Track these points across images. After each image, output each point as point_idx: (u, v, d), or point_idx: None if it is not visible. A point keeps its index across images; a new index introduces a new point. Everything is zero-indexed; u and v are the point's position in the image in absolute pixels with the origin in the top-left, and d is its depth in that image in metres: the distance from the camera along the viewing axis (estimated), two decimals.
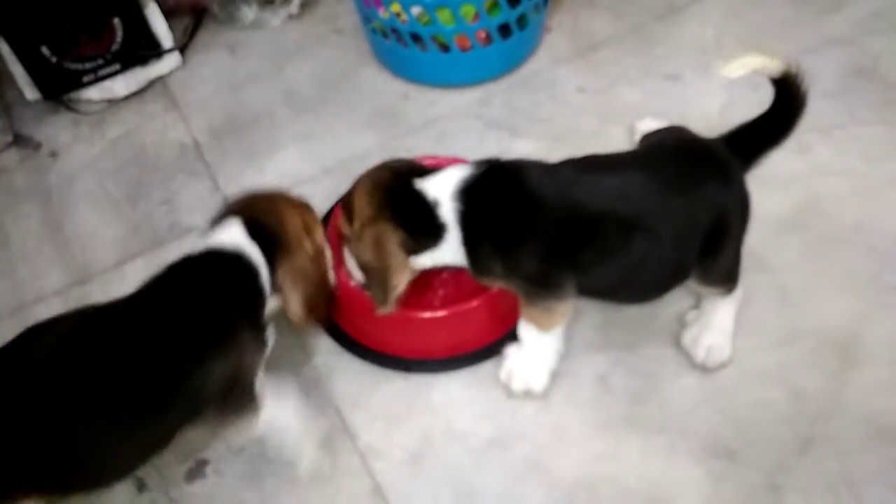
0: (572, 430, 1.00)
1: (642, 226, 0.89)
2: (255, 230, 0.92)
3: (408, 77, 1.44)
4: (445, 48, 1.34)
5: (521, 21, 1.35)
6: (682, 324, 1.06)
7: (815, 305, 1.07)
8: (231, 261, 0.89)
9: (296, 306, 0.94)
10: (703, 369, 1.02)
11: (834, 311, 1.07)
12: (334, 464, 1.00)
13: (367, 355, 1.08)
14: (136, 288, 0.88)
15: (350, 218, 0.98)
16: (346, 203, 0.99)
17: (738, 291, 1.01)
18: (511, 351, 1.03)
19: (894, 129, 1.26)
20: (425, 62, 1.38)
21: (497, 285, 0.99)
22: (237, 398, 0.87)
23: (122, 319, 0.84)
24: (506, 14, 1.30)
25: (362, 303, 1.04)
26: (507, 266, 0.93)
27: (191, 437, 1.01)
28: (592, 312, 1.09)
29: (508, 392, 1.03)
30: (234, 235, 0.92)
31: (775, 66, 0.90)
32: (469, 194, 0.93)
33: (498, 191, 0.93)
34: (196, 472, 1.01)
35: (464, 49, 1.34)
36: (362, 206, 0.95)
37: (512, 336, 1.07)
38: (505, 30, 1.33)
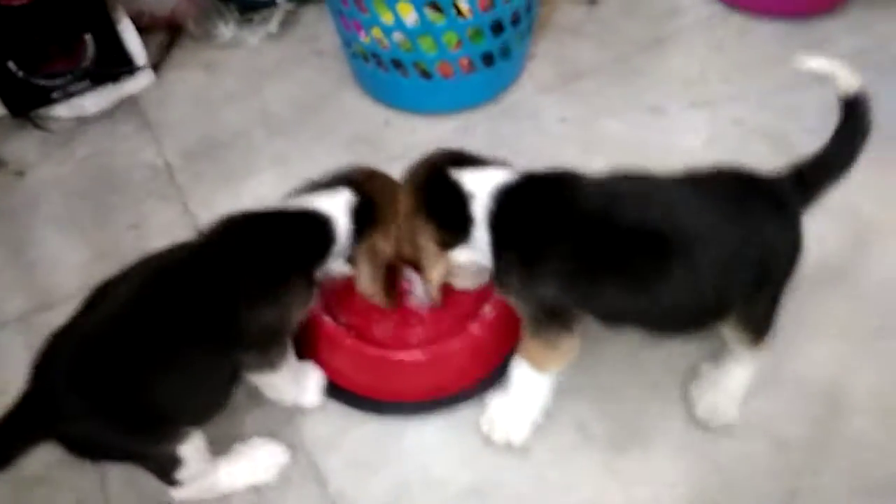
0: (552, 479, 0.97)
1: (683, 250, 0.85)
2: (362, 204, 0.96)
3: (389, 102, 1.41)
4: (427, 75, 1.31)
5: (504, 50, 1.32)
6: (695, 374, 1.03)
7: (799, 353, 1.05)
8: (318, 221, 0.94)
9: (362, 283, 0.98)
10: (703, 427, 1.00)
11: (818, 358, 1.05)
12: None
13: (341, 395, 1.04)
14: (224, 226, 0.92)
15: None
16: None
17: (764, 352, 0.96)
18: (494, 399, 1.00)
19: (877, 167, 1.25)
20: (407, 88, 1.35)
21: (511, 301, 0.93)
22: (267, 347, 0.92)
23: (192, 270, 0.88)
24: (489, 42, 1.28)
25: (336, 341, 1.01)
26: (526, 282, 0.89)
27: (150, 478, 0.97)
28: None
29: (488, 441, 1.00)
30: (333, 199, 0.96)
31: (852, 83, 0.87)
32: (505, 197, 0.90)
33: (533, 200, 0.90)
34: None
35: (446, 76, 1.32)
36: (404, 200, 0.96)
37: (491, 380, 1.04)
38: (488, 58, 1.31)
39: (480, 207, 0.90)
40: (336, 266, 0.98)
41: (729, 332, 0.95)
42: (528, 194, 0.90)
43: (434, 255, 0.93)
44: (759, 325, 0.94)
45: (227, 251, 0.90)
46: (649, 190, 0.89)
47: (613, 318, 0.92)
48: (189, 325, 0.84)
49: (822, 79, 0.97)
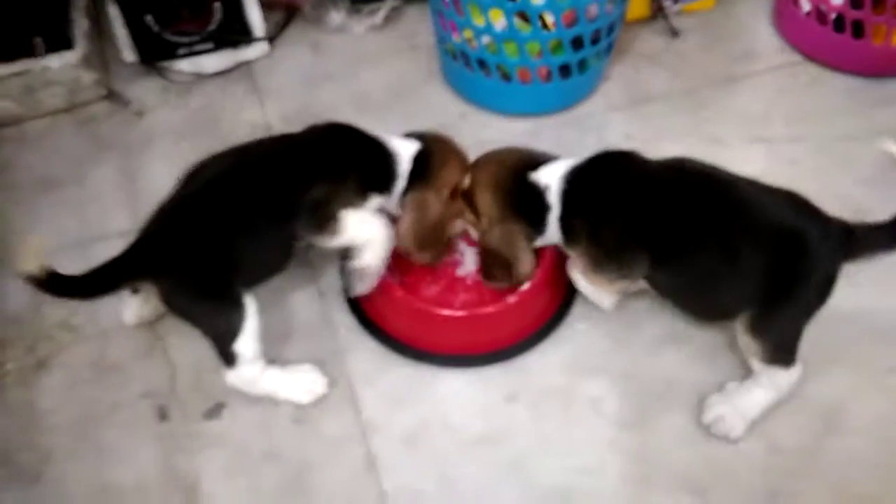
0: (559, 442, 1.07)
1: (732, 228, 0.97)
2: (423, 156, 1.13)
3: (468, 98, 1.54)
4: (507, 78, 1.44)
5: (582, 65, 1.44)
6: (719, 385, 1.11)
7: (811, 373, 1.10)
8: (386, 152, 1.12)
9: (403, 228, 1.12)
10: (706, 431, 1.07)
11: (827, 380, 1.11)
12: (337, 429, 1.09)
13: (385, 339, 1.17)
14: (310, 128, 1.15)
15: (475, 211, 1.12)
16: (467, 196, 1.13)
17: (784, 381, 1.04)
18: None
19: None
20: (487, 87, 1.48)
21: (576, 253, 1.08)
22: (318, 216, 1.07)
23: (275, 152, 1.11)
24: (568, 56, 1.40)
25: (389, 292, 1.14)
26: (593, 235, 1.04)
27: (215, 380, 1.12)
28: (601, 337, 1.17)
29: (507, 399, 1.11)
30: (403, 143, 1.14)
31: None
32: (576, 175, 1.06)
33: (603, 169, 1.06)
34: (214, 412, 1.12)
35: (524, 81, 1.44)
36: (487, 205, 1.10)
37: (521, 347, 1.16)
38: (565, 70, 1.43)
39: (555, 194, 1.05)
40: (391, 204, 1.15)
41: (748, 340, 1.02)
42: (598, 166, 1.06)
43: (528, 251, 1.09)
44: (777, 343, 1.01)
45: (305, 142, 1.12)
46: (713, 172, 1.03)
47: (658, 276, 1.04)
48: (262, 199, 1.05)
49: (887, 134, 1.04)
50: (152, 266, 1.01)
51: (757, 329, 1.00)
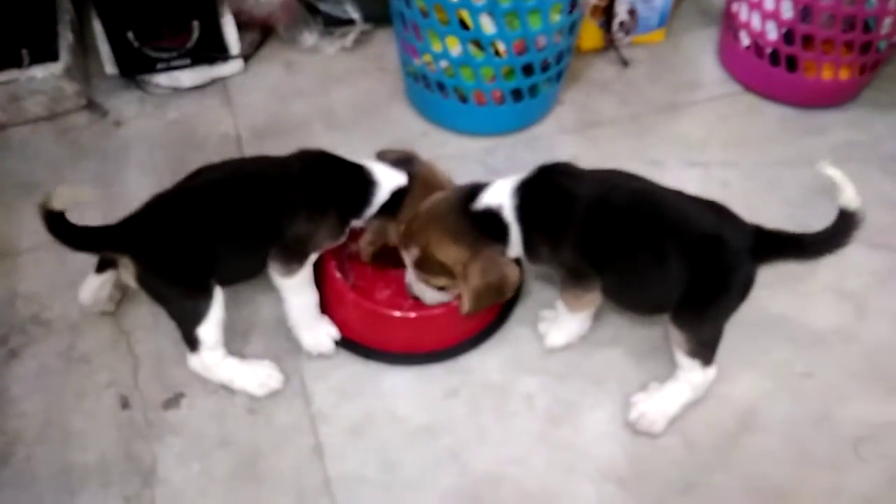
0: (493, 434, 1.16)
1: (661, 235, 1.07)
2: (402, 192, 1.20)
3: (429, 118, 1.64)
4: (464, 99, 1.55)
5: (533, 90, 1.55)
6: (643, 386, 1.20)
7: (728, 375, 1.21)
8: (367, 180, 1.20)
9: (363, 242, 1.24)
10: (631, 428, 1.16)
11: (743, 383, 1.22)
12: (288, 419, 1.17)
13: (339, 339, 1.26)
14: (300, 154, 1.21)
15: (449, 273, 1.12)
16: (433, 267, 1.13)
17: (700, 380, 1.14)
18: (548, 313, 1.27)
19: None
20: (445, 108, 1.58)
21: (543, 267, 1.17)
22: (291, 253, 1.16)
23: (263, 173, 1.18)
24: (519, 81, 1.50)
25: (341, 294, 1.23)
26: (552, 252, 1.11)
27: (175, 372, 1.21)
28: (538, 340, 1.26)
29: (447, 394, 1.20)
30: (390, 174, 1.21)
31: (852, 199, 1.04)
32: (524, 190, 1.12)
33: (547, 188, 1.12)
34: (173, 401, 1.19)
35: (479, 103, 1.55)
36: (454, 255, 1.11)
37: (461, 348, 1.25)
38: (517, 94, 1.54)
39: (509, 211, 1.11)
40: (362, 222, 1.23)
41: (676, 333, 1.11)
42: (542, 184, 1.13)
43: (509, 264, 1.14)
44: (701, 340, 1.11)
45: (294, 169, 1.17)
46: (642, 185, 1.13)
47: (605, 284, 1.13)
48: (245, 211, 1.13)
49: (814, 162, 1.14)
50: (135, 243, 1.10)
51: (683, 321, 1.10)
